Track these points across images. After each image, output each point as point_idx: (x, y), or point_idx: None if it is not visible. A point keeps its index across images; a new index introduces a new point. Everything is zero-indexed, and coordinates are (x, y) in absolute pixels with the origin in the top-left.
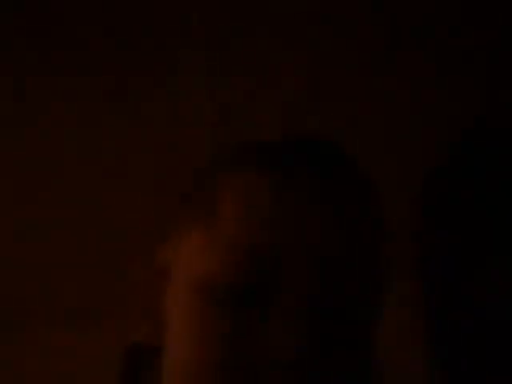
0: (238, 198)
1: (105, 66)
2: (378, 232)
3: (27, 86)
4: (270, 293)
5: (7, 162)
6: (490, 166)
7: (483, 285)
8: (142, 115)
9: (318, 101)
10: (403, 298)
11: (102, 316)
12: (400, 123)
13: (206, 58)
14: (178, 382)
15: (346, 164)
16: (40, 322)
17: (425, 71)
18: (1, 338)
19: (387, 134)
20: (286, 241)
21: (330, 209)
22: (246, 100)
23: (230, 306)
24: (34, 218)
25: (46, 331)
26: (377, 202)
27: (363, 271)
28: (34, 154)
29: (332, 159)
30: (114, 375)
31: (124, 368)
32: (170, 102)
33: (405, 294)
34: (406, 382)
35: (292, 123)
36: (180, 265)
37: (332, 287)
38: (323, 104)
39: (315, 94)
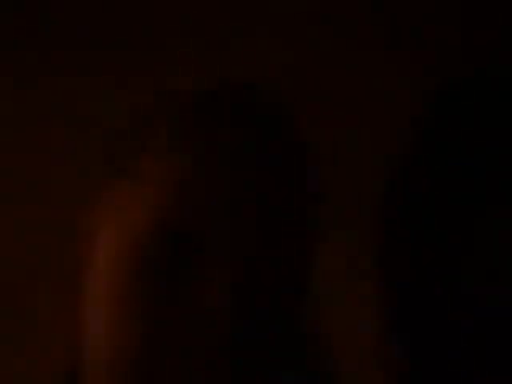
0: (161, 156)
1: (105, 66)
2: (308, 184)
3: (27, 86)
4: (192, 247)
5: (7, 162)
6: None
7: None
8: (142, 115)
9: (318, 101)
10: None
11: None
12: (400, 123)
13: (206, 58)
14: (101, 360)
15: (265, 119)
16: None
17: (425, 71)
18: None
19: (388, 133)
20: (206, 196)
21: (255, 161)
22: None
23: (157, 262)
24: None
25: None
26: (304, 151)
27: (293, 218)
28: (34, 154)
29: (248, 116)
30: None
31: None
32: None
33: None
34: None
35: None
36: (103, 228)
37: (263, 242)
38: (322, 104)
39: (315, 94)
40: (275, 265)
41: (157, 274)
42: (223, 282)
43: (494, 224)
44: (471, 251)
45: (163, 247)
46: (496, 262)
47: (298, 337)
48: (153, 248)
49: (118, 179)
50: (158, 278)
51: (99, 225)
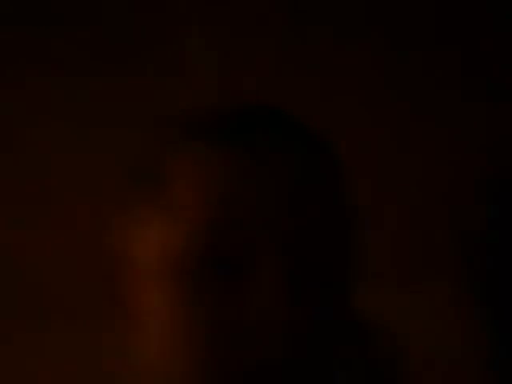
0: (193, 171)
1: (105, 66)
2: (340, 194)
3: (27, 86)
4: (237, 265)
5: (7, 162)
6: None
7: None
8: (142, 115)
9: (318, 102)
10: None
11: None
12: (399, 124)
13: (205, 58)
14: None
15: (299, 132)
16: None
17: (425, 72)
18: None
19: (388, 134)
20: (246, 212)
21: (286, 176)
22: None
23: (202, 283)
24: (31, 216)
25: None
26: (335, 163)
27: (328, 233)
28: (34, 154)
29: (282, 127)
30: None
31: None
32: (170, 103)
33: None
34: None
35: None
36: (139, 247)
37: (299, 253)
38: (322, 104)
39: (315, 94)
40: (318, 269)
41: (199, 294)
42: (273, 283)
43: None
44: None
45: (206, 267)
46: None
47: (354, 336)
48: (195, 270)
49: (144, 191)
50: (202, 298)
51: (132, 245)
